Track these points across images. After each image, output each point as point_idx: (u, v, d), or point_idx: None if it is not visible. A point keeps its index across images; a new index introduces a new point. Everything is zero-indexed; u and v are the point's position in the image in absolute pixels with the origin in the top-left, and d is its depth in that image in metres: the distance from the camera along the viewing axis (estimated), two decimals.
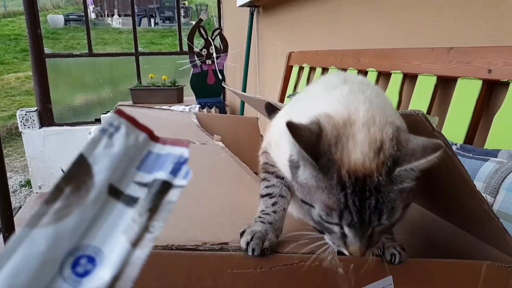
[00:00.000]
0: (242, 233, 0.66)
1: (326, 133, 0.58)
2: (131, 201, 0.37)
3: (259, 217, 0.71)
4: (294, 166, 0.61)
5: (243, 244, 0.64)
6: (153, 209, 0.37)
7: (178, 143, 0.39)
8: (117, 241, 0.36)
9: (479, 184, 0.99)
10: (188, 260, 0.60)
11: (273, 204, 0.73)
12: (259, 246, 0.63)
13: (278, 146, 0.72)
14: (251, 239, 0.64)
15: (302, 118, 0.61)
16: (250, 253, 0.63)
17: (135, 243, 0.35)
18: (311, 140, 0.57)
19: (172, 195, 0.38)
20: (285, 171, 0.70)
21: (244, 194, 0.93)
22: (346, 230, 0.58)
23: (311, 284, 0.59)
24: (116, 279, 0.34)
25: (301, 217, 0.81)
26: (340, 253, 0.64)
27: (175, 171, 0.39)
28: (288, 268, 0.63)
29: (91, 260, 0.35)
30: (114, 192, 0.37)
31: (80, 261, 0.35)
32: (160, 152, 0.39)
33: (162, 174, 0.38)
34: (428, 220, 0.93)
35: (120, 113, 0.38)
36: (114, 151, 0.37)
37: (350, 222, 0.57)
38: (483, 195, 0.96)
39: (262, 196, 0.75)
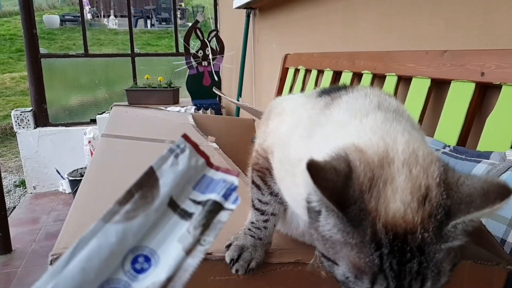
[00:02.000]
0: (228, 246, 0.63)
1: (357, 175, 0.47)
2: (185, 214, 0.43)
3: (249, 229, 0.68)
4: (314, 211, 0.50)
5: (227, 258, 0.61)
6: (206, 225, 0.43)
7: (230, 172, 0.45)
8: (173, 247, 0.41)
9: None
10: None
11: (264, 221, 0.69)
12: (244, 268, 0.60)
13: (285, 169, 0.62)
14: (238, 258, 0.61)
15: (323, 149, 0.51)
16: (233, 272, 0.60)
17: (189, 252, 0.41)
18: (337, 185, 0.46)
19: (223, 215, 0.43)
20: (294, 205, 0.62)
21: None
22: None
23: None
24: (169, 280, 0.39)
25: (288, 232, 0.77)
26: None
27: (226, 196, 0.44)
28: (272, 273, 0.62)
29: (147, 259, 0.41)
30: (173, 204, 0.43)
31: (139, 259, 0.40)
32: (213, 177, 0.45)
33: (215, 196, 0.44)
34: None
35: (186, 138, 0.44)
36: (178, 169, 0.43)
37: None
38: None
39: (254, 208, 0.71)
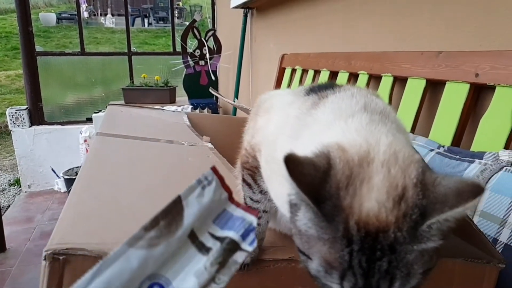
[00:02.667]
0: None
1: (335, 172, 0.47)
2: (203, 248, 0.43)
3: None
4: (294, 204, 0.51)
5: None
6: (222, 263, 0.43)
7: (250, 210, 0.46)
8: (189, 281, 0.42)
9: None
10: None
11: (257, 218, 0.69)
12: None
13: (272, 168, 0.62)
14: None
15: (309, 149, 0.51)
16: None
17: None
18: (315, 180, 0.47)
19: (238, 256, 0.44)
20: (280, 204, 0.62)
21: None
22: None
23: (289, 285, 0.59)
24: None
25: (281, 230, 0.77)
26: None
27: (244, 236, 0.45)
28: (265, 270, 0.63)
29: None
30: (192, 236, 0.44)
31: (154, 287, 0.41)
32: (233, 213, 0.46)
33: (233, 234, 0.44)
34: None
35: (215, 170, 0.45)
36: (203, 201, 0.44)
37: (354, 285, 0.46)
38: None
39: (246, 205, 0.69)
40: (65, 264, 0.53)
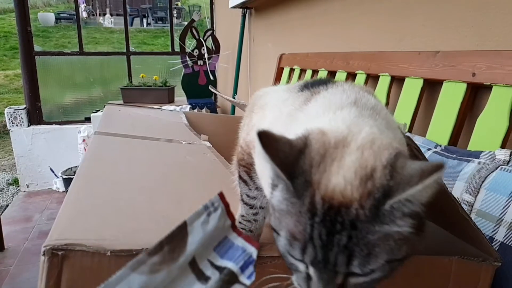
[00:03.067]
0: None
1: (310, 151, 0.49)
2: (202, 277, 0.43)
3: (240, 222, 0.68)
4: (274, 185, 0.51)
5: None
6: None
7: (251, 241, 0.46)
8: None
9: (461, 184, 1.01)
10: None
11: (254, 214, 0.69)
12: None
13: (265, 165, 0.64)
14: None
15: (291, 132, 0.54)
16: None
17: None
18: (289, 156, 0.48)
19: None
20: (267, 191, 0.61)
21: (226, 196, 0.94)
22: (311, 270, 0.49)
23: (286, 281, 0.57)
24: None
25: None
26: None
27: (243, 268, 0.45)
28: (263, 266, 0.61)
29: None
30: (193, 263, 0.43)
31: None
32: (234, 241, 0.46)
33: (233, 266, 0.44)
34: None
35: (221, 196, 0.45)
36: (207, 229, 0.44)
37: (313, 259, 0.47)
38: (465, 194, 0.98)
39: (243, 202, 0.71)
40: (63, 260, 0.54)
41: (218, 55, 3.77)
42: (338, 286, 0.48)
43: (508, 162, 0.98)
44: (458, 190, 1.01)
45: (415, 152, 0.73)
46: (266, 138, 0.47)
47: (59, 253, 0.53)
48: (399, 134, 0.60)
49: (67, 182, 3.29)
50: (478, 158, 1.04)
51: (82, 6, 10.25)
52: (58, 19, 10.36)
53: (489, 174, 0.97)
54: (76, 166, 3.44)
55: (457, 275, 0.76)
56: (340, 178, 0.46)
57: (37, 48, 4.06)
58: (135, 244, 0.57)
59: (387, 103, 1.55)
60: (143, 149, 1.12)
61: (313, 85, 0.68)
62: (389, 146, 0.50)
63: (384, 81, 1.57)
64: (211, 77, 3.74)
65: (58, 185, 3.68)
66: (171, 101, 3.72)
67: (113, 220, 0.65)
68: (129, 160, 0.99)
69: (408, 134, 1.35)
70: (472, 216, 0.96)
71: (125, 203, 0.73)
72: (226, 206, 0.46)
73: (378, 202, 0.45)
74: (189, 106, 3.50)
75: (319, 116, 0.58)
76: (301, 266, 0.50)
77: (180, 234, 0.42)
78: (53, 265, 0.53)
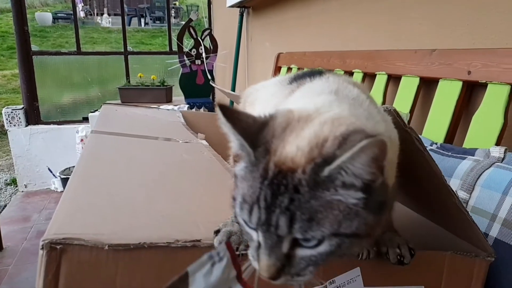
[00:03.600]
0: (216, 232, 0.64)
1: (273, 123, 0.51)
2: None
3: (236, 217, 0.68)
4: (236, 156, 0.54)
5: (216, 243, 0.62)
6: None
7: None
8: None
9: (456, 181, 1.02)
10: (160, 256, 0.60)
11: None
12: None
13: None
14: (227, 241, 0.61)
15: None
16: None
17: None
18: (252, 127, 0.51)
19: None
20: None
21: (223, 193, 0.94)
22: (260, 237, 0.49)
23: None
24: None
25: None
26: None
27: None
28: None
29: None
30: None
31: None
32: None
33: None
34: (400, 213, 0.95)
35: (229, 246, 0.45)
36: (209, 280, 0.43)
37: (258, 220, 0.48)
38: (460, 191, 0.99)
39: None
40: (62, 254, 0.54)
41: (216, 55, 3.78)
42: (286, 255, 0.49)
43: (503, 159, 0.99)
44: (454, 187, 1.02)
45: (417, 144, 0.73)
46: (228, 111, 0.49)
47: (58, 247, 0.54)
48: (381, 125, 0.59)
49: (65, 182, 3.27)
50: (473, 156, 1.05)
51: (80, 6, 10.23)
52: (55, 18, 10.34)
53: (483, 171, 0.98)
54: (74, 166, 3.42)
55: (451, 270, 0.77)
56: (294, 147, 0.48)
57: (34, 47, 4.05)
58: (133, 239, 0.58)
59: (383, 102, 1.56)
60: (140, 148, 1.12)
61: (302, 77, 0.70)
62: (352, 124, 0.50)
63: (380, 80, 1.58)
64: (209, 77, 3.74)
65: (56, 185, 3.68)
66: (169, 100, 3.72)
67: (110, 217, 0.65)
68: (126, 158, 1.00)
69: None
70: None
71: (123, 200, 0.73)
72: (233, 256, 0.45)
73: (318, 168, 0.46)
74: (187, 105, 3.50)
75: (296, 102, 0.60)
76: (254, 235, 0.51)
77: (181, 284, 0.41)
78: (52, 259, 0.54)
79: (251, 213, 0.48)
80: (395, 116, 0.67)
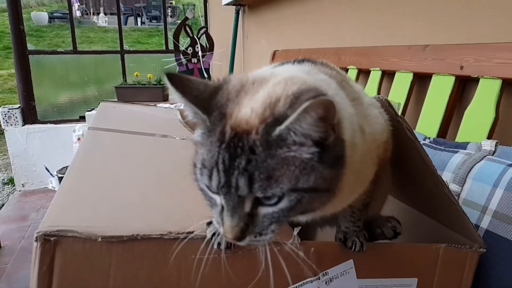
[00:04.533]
0: (209, 223, 0.65)
1: (227, 87, 0.52)
2: None
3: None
4: (193, 123, 0.54)
5: (208, 234, 0.63)
6: None
7: None
8: None
9: (448, 175, 1.03)
10: (153, 248, 0.61)
11: None
12: (225, 241, 0.61)
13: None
14: (218, 232, 0.61)
15: None
16: (215, 246, 0.62)
17: None
18: (203, 93, 0.51)
19: None
20: None
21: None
22: (222, 200, 0.51)
23: (274, 268, 0.60)
24: None
25: None
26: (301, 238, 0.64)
27: None
28: (251, 253, 0.64)
29: None
30: None
31: None
32: None
33: None
34: (394, 207, 0.97)
35: None
36: None
37: (218, 183, 0.49)
38: (452, 184, 1.01)
39: None
40: (56, 245, 0.55)
41: (212, 53, 3.78)
42: (248, 215, 0.50)
43: (494, 152, 1.00)
44: (446, 181, 1.03)
45: (408, 134, 0.74)
46: (177, 79, 0.50)
47: (52, 239, 0.55)
48: (346, 100, 0.59)
49: None
50: (465, 149, 1.06)
51: (76, 5, 10.20)
52: (51, 18, 10.30)
53: (475, 164, 0.99)
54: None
55: (444, 262, 0.78)
56: (248, 109, 0.48)
57: (30, 47, 4.05)
58: (126, 231, 0.59)
59: None
60: (136, 144, 1.13)
61: (283, 63, 0.71)
62: (306, 83, 0.50)
63: (375, 76, 1.59)
64: (205, 75, 3.75)
65: (54, 184, 3.67)
66: (165, 99, 3.73)
67: (104, 210, 0.66)
68: (122, 154, 1.00)
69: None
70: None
71: (117, 195, 0.74)
72: None
73: (269, 128, 0.47)
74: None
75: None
76: (217, 199, 0.52)
77: None
78: (46, 250, 0.55)
79: (211, 177, 0.49)
80: (387, 106, 0.68)
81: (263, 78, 0.52)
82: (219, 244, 0.62)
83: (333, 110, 0.47)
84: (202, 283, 0.63)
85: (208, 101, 0.50)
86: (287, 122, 0.46)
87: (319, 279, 0.70)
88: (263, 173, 0.47)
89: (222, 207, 0.51)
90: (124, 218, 0.65)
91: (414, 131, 1.28)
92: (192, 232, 0.63)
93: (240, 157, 0.47)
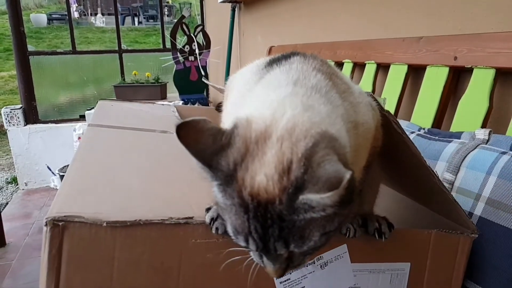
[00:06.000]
0: (208, 209, 0.67)
1: (232, 150, 0.51)
2: None
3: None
4: (205, 177, 0.54)
5: (207, 219, 0.65)
6: None
7: None
8: None
9: (442, 164, 1.04)
10: (155, 233, 0.64)
11: None
12: (223, 226, 0.63)
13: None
14: (217, 217, 0.64)
15: (240, 114, 0.56)
16: (214, 231, 0.65)
17: None
18: (209, 150, 0.51)
19: None
20: None
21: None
22: (262, 253, 0.54)
23: None
24: None
25: None
26: None
27: None
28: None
29: None
30: None
31: None
32: None
33: None
34: (385, 194, 0.98)
35: None
36: None
37: (256, 248, 0.52)
38: (446, 173, 1.02)
39: None
40: (64, 230, 0.58)
41: (209, 51, 3.80)
42: (286, 259, 0.55)
43: (487, 141, 1.01)
44: (440, 170, 1.04)
45: (395, 127, 0.76)
46: (186, 130, 0.50)
47: (60, 223, 0.57)
48: (341, 109, 0.60)
49: None
50: (459, 139, 1.06)
51: (74, 6, 10.20)
52: (50, 20, 10.31)
53: (469, 153, 0.99)
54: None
55: (436, 247, 0.80)
56: (262, 176, 0.49)
57: (30, 48, 4.07)
58: (129, 217, 0.62)
59: (373, 90, 1.59)
60: (137, 139, 1.15)
61: (274, 61, 0.71)
62: (308, 133, 0.51)
63: (370, 69, 1.61)
64: (203, 73, 3.77)
65: (56, 182, 3.70)
66: (163, 97, 3.75)
67: (108, 198, 0.69)
68: (123, 147, 1.02)
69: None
70: (453, 193, 0.98)
71: (120, 184, 0.76)
72: None
73: (292, 196, 0.48)
74: (182, 101, 3.53)
75: (258, 96, 0.61)
76: (251, 248, 0.54)
77: None
78: (55, 234, 0.58)
79: (247, 242, 0.52)
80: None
81: (266, 130, 0.52)
82: (217, 229, 0.64)
83: (350, 184, 0.46)
84: (202, 267, 0.66)
85: (212, 159, 0.51)
86: (309, 196, 0.47)
87: (314, 263, 0.72)
88: (295, 235, 0.50)
89: (259, 253, 0.55)
90: (127, 206, 0.67)
91: (409, 122, 1.32)
92: (191, 218, 0.65)
93: (273, 227, 0.49)
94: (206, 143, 0.51)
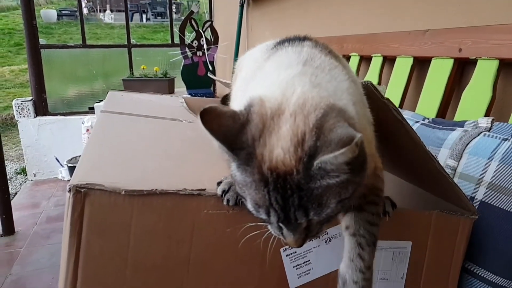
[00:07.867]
0: (219, 183, 0.70)
1: (251, 126, 0.54)
2: None
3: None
4: (227, 160, 0.57)
5: (219, 191, 0.69)
6: None
7: None
8: None
9: (445, 151, 1.07)
10: (170, 202, 0.67)
11: None
12: (234, 198, 0.67)
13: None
14: (228, 190, 0.68)
15: (250, 90, 0.59)
16: (225, 203, 0.68)
17: None
18: (232, 130, 0.54)
19: None
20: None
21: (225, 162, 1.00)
22: (281, 224, 0.57)
23: None
24: None
25: None
26: None
27: None
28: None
29: None
30: None
31: None
32: None
33: None
34: (387, 181, 1.01)
35: None
36: None
37: (278, 219, 0.55)
38: (449, 160, 1.04)
39: None
40: (85, 197, 0.62)
41: (217, 46, 3.82)
42: (305, 227, 0.57)
43: (490, 128, 1.03)
44: (443, 157, 1.06)
45: (394, 114, 0.79)
46: (208, 115, 0.52)
47: (82, 190, 0.61)
48: (342, 85, 0.63)
49: (72, 170, 3.33)
50: (462, 127, 1.08)
51: (83, 2, 10.27)
52: (60, 15, 10.41)
53: (471, 140, 1.01)
54: (80, 156, 3.49)
55: (437, 228, 0.83)
56: (279, 149, 0.52)
57: (42, 41, 4.13)
58: (146, 186, 0.66)
59: (379, 82, 1.61)
60: (148, 124, 1.19)
61: (283, 42, 0.74)
62: (318, 106, 0.55)
63: (376, 62, 1.63)
64: (210, 68, 3.79)
65: (64, 174, 3.76)
66: (171, 91, 3.77)
67: (125, 171, 0.73)
68: (136, 131, 1.06)
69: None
70: (455, 179, 1.00)
71: (136, 160, 0.80)
72: None
73: (308, 164, 0.51)
74: (189, 96, 3.56)
75: (267, 75, 0.64)
76: (273, 221, 0.57)
77: None
78: (77, 200, 0.62)
79: (269, 214, 0.55)
80: (372, 89, 0.73)
81: (278, 106, 0.56)
82: (228, 200, 0.68)
83: (361, 146, 0.50)
84: (213, 236, 0.70)
85: (235, 139, 0.54)
86: (323, 158, 0.50)
87: (319, 237, 0.75)
88: (314, 203, 0.53)
89: (279, 225, 0.57)
90: (143, 177, 0.71)
91: (413, 113, 1.34)
92: (204, 189, 0.69)
93: (292, 197, 0.52)
94: (227, 125, 0.53)
